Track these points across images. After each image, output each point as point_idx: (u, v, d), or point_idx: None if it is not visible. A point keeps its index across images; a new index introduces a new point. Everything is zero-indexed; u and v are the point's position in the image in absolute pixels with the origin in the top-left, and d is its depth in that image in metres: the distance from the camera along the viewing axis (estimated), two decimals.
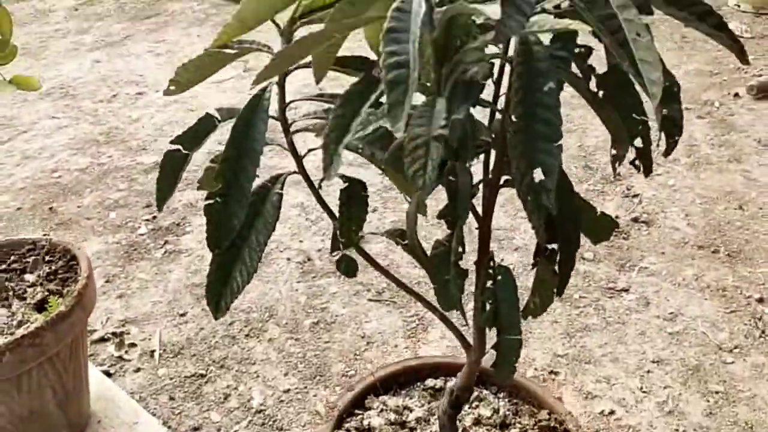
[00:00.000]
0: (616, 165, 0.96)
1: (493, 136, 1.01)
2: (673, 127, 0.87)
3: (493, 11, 0.71)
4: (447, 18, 0.74)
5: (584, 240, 1.05)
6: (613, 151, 0.99)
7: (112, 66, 4.54)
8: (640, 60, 0.76)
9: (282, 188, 1.01)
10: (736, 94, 3.48)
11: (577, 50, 0.94)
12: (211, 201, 0.95)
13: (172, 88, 1.12)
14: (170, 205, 2.93)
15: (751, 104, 3.39)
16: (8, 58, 1.35)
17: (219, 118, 1.03)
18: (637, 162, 0.94)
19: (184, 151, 1.03)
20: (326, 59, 0.90)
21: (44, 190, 3.09)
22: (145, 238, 2.71)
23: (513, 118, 0.83)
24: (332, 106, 0.91)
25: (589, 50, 0.93)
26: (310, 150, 1.04)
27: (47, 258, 1.74)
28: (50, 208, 2.95)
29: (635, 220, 2.61)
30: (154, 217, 2.85)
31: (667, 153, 0.90)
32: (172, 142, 1.04)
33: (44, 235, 2.76)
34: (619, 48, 0.82)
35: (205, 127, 1.03)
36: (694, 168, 2.93)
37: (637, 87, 0.89)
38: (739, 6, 4.52)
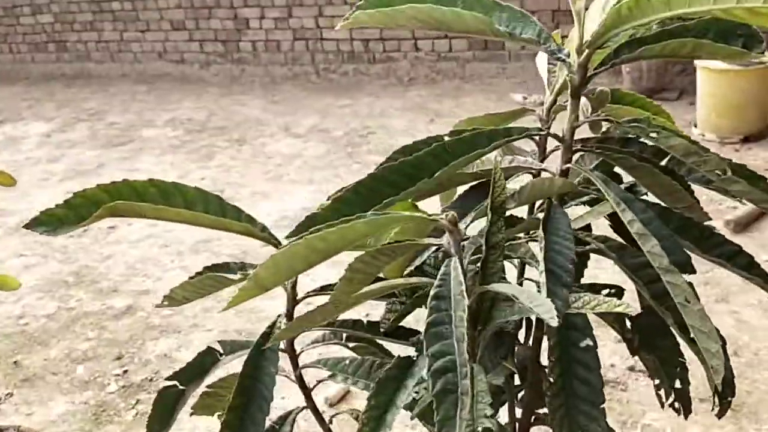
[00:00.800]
0: (664, 401, 0.90)
1: (517, 364, 0.94)
2: (726, 388, 0.81)
3: (522, 292, 0.66)
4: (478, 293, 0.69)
5: None
6: (656, 381, 0.93)
7: None
8: (692, 327, 0.71)
9: (291, 431, 0.92)
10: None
11: (606, 291, 0.89)
12: None
13: (165, 303, 1.06)
14: (142, 357, 2.79)
15: (730, 238, 3.42)
16: None
17: (221, 351, 0.95)
18: (676, 404, 0.88)
19: (180, 387, 0.94)
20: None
21: (9, 340, 2.94)
22: (114, 396, 2.56)
23: (551, 378, 0.77)
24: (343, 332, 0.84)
25: (620, 291, 0.88)
26: (319, 381, 0.96)
27: None
28: (15, 362, 2.79)
29: (631, 369, 2.53)
30: (125, 371, 2.70)
31: (720, 414, 0.84)
32: (168, 378, 0.96)
33: (8, 394, 2.60)
34: (655, 301, 0.78)
35: (205, 362, 0.95)
36: None
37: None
38: (704, 135, 4.66)
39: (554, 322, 0.57)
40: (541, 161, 1.00)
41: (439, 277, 0.65)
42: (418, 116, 5.58)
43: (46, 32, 7.68)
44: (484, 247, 0.71)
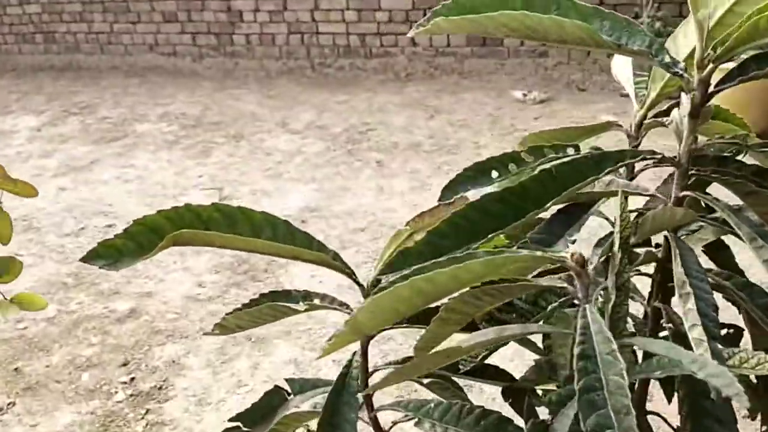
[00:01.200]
0: None
1: None
2: None
3: (686, 355, 0.58)
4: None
5: None
6: (764, 428, 0.86)
7: (77, 194, 4.34)
8: None
9: None
10: None
11: (724, 332, 0.82)
12: None
13: (216, 331, 0.98)
14: (149, 364, 2.69)
15: None
16: (12, 277, 1.17)
17: (289, 391, 0.87)
18: None
19: (245, 430, 0.85)
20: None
21: (8, 346, 2.82)
22: (123, 406, 2.46)
23: None
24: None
25: (739, 332, 0.81)
26: (394, 423, 0.88)
27: None
28: (15, 369, 2.68)
29: None
30: (132, 379, 2.60)
31: None
32: (231, 420, 0.87)
33: (9, 403, 2.50)
34: None
35: (272, 402, 0.86)
36: None
37: None
38: None
39: (745, 402, 0.49)
40: (630, 180, 0.93)
41: (579, 331, 0.57)
42: (417, 112, 5.49)
43: (33, 23, 7.50)
44: (613, 290, 0.64)
